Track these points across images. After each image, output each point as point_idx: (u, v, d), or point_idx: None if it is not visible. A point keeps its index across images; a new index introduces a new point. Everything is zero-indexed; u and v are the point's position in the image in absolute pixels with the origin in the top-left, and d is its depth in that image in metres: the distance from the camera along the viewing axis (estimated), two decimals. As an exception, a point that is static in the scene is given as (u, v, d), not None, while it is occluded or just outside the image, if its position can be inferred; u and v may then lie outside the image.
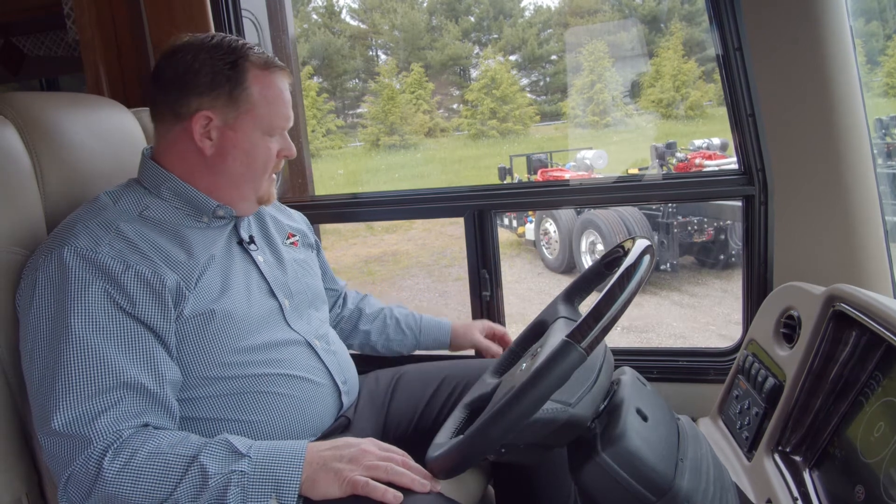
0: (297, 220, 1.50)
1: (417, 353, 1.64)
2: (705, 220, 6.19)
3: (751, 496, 1.13)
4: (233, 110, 1.16)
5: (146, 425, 1.02)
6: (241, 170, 1.20)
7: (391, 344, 1.61)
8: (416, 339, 1.61)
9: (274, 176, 1.28)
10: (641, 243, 0.95)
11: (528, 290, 6.92)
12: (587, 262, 6.72)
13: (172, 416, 1.06)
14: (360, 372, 1.42)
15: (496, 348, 1.60)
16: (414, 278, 7.61)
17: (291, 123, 1.25)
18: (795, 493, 1.03)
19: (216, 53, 1.16)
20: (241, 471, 0.96)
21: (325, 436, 1.26)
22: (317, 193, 2.17)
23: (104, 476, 0.95)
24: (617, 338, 5.22)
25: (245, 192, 1.23)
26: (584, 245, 6.80)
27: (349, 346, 1.58)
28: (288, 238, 1.40)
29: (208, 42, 1.18)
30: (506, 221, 8.49)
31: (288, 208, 1.52)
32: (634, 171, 7.97)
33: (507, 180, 9.08)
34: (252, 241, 1.28)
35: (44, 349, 1.02)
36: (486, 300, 1.80)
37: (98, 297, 1.03)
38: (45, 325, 1.02)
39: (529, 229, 7.86)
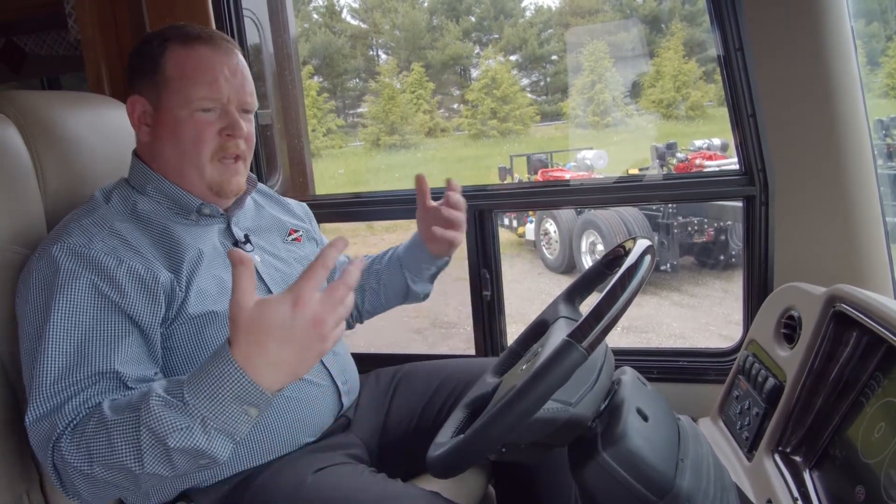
0: (299, 212, 1.47)
1: (418, 353, 1.63)
2: (706, 220, 6.19)
3: (751, 496, 1.13)
4: (155, 91, 1.16)
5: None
6: (174, 151, 1.16)
7: (382, 278, 1.49)
8: (397, 257, 1.48)
9: (238, 165, 1.19)
10: (642, 243, 0.95)
11: (528, 290, 6.92)
12: (587, 262, 6.72)
13: None
14: (360, 371, 1.42)
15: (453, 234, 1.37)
16: (414, 278, 7.60)
17: (225, 96, 1.15)
18: (796, 494, 1.03)
19: (148, 38, 1.18)
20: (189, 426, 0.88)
21: (326, 436, 1.25)
22: (317, 192, 2.17)
23: (67, 459, 0.92)
24: (617, 338, 5.22)
25: (188, 175, 1.17)
26: (584, 245, 6.80)
27: (356, 309, 1.54)
28: (290, 235, 1.38)
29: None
30: (506, 221, 8.49)
31: (288, 201, 1.49)
32: (635, 171, 7.97)
33: (508, 180, 9.08)
34: (248, 240, 1.27)
35: (29, 345, 1.02)
36: (487, 300, 1.80)
37: (84, 292, 1.01)
38: (35, 320, 1.02)
39: (530, 229, 7.86)
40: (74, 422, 0.95)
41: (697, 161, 7.22)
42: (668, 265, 6.32)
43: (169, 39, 1.16)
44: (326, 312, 0.86)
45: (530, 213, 7.65)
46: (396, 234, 10.04)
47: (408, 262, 1.46)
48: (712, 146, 7.69)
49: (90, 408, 0.96)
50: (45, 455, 0.96)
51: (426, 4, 24.07)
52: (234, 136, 1.16)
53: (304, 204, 1.52)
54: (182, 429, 0.87)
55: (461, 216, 1.37)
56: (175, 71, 1.14)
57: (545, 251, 7.50)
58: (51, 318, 0.99)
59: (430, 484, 1.23)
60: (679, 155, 7.55)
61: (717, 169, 5.75)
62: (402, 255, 1.47)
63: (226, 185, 1.19)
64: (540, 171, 8.80)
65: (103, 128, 1.36)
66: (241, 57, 1.21)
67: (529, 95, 22.14)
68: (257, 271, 1.24)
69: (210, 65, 1.14)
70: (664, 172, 6.90)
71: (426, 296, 1.51)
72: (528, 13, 23.62)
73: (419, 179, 1.37)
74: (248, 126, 1.20)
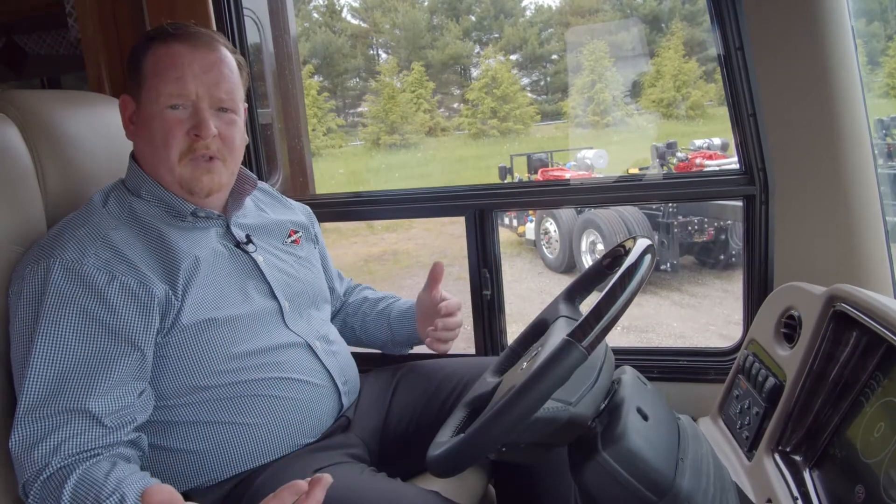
0: (299, 212, 1.47)
1: (418, 352, 1.63)
2: (706, 220, 6.19)
3: (751, 496, 1.13)
4: (137, 89, 1.16)
5: (78, 457, 0.98)
6: (148, 148, 1.16)
7: (367, 325, 1.52)
8: (387, 314, 1.50)
9: (212, 164, 1.16)
10: (642, 243, 0.95)
11: (528, 290, 6.92)
12: (587, 261, 6.72)
13: (121, 445, 1.03)
14: (360, 371, 1.42)
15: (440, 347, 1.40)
16: (414, 278, 7.61)
17: (193, 91, 1.12)
18: (795, 493, 1.03)
19: (139, 39, 1.19)
20: None
21: (326, 436, 1.25)
22: (317, 192, 2.17)
23: None
24: (617, 337, 5.21)
25: (162, 175, 1.16)
26: (584, 245, 6.79)
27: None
28: (290, 236, 1.38)
29: None
30: (506, 221, 8.49)
31: (289, 200, 1.49)
32: (635, 170, 7.96)
33: (508, 179, 9.07)
34: (250, 240, 1.26)
35: (18, 365, 1.02)
36: (487, 299, 1.80)
37: (70, 318, 1.01)
38: (22, 340, 1.02)
39: (530, 229, 7.85)
40: (42, 475, 0.96)
41: (697, 160, 7.20)
42: (669, 265, 6.32)
43: (153, 39, 1.16)
44: None
45: (530, 212, 7.65)
46: (397, 233, 10.06)
47: (396, 327, 1.48)
48: (712, 145, 7.67)
49: (62, 459, 0.96)
50: (18, 486, 0.99)
51: (426, 4, 24.07)
52: (202, 136, 1.14)
53: (307, 206, 1.52)
54: None
55: (454, 336, 1.38)
56: (150, 68, 1.14)
57: (545, 250, 7.50)
58: (35, 344, 1.00)
59: (430, 483, 1.23)
60: (679, 154, 7.54)
61: (717, 168, 5.74)
62: (392, 319, 1.49)
63: (196, 184, 1.16)
64: (540, 171, 8.79)
65: (104, 128, 1.36)
66: (224, 54, 1.18)
67: (529, 95, 22.12)
68: (261, 272, 1.24)
69: (180, 61, 1.13)
70: (664, 172, 6.90)
71: (402, 353, 1.56)
72: (528, 12, 23.61)
73: (436, 267, 1.39)
74: (224, 126, 1.17)
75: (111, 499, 0.93)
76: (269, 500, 0.84)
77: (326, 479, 0.86)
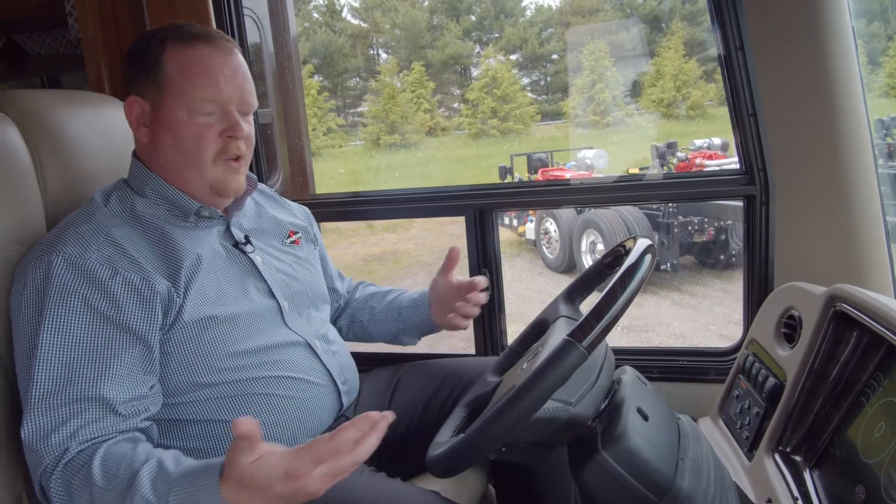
0: (298, 214, 1.47)
1: (418, 352, 1.63)
2: (706, 219, 6.19)
3: (751, 496, 1.13)
4: (155, 91, 1.14)
5: (96, 441, 0.99)
6: (174, 155, 1.15)
7: (376, 317, 1.52)
8: (397, 305, 1.50)
9: (238, 165, 1.18)
10: (642, 243, 0.96)
11: (528, 290, 6.92)
12: (587, 261, 6.72)
13: (135, 431, 1.03)
14: (360, 371, 1.41)
15: (462, 322, 1.41)
16: (414, 277, 7.61)
17: (226, 97, 1.13)
18: (796, 493, 1.03)
19: (146, 36, 1.17)
20: None
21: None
22: (317, 192, 2.17)
23: (51, 497, 0.96)
24: (617, 337, 5.22)
25: (189, 179, 1.16)
26: (584, 245, 6.80)
27: (340, 331, 1.54)
28: (289, 237, 1.38)
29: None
30: (506, 221, 8.49)
31: (288, 202, 1.49)
32: (635, 170, 7.96)
33: (508, 179, 9.08)
34: (248, 241, 1.26)
35: (23, 358, 1.02)
36: (487, 299, 1.80)
37: (75, 310, 1.01)
38: (27, 334, 1.02)
39: (530, 228, 7.86)
40: (63, 460, 0.96)
41: (698, 160, 7.21)
42: (669, 265, 6.32)
43: (168, 38, 1.14)
44: (321, 486, 0.87)
45: (530, 212, 7.65)
46: (397, 233, 10.06)
47: (406, 317, 1.48)
48: (713, 145, 7.68)
49: (80, 443, 0.97)
50: (34, 478, 0.99)
51: (426, 3, 24.09)
52: (236, 137, 1.15)
53: (305, 207, 1.52)
54: None
55: (477, 311, 1.42)
56: (175, 71, 1.13)
57: (545, 250, 7.50)
58: (41, 335, 1.00)
59: (429, 483, 1.23)
60: (679, 154, 7.54)
61: (717, 168, 5.74)
62: (402, 308, 1.49)
63: (227, 186, 1.18)
64: (540, 171, 8.80)
65: (104, 127, 1.36)
66: (240, 57, 1.20)
67: (530, 95, 22.15)
68: (259, 272, 1.24)
69: (211, 65, 1.13)
70: (664, 172, 6.90)
71: (412, 344, 1.55)
72: (528, 12, 23.63)
73: (452, 251, 1.41)
74: (247, 127, 1.19)
75: (147, 465, 0.93)
76: (346, 426, 0.87)
77: (390, 415, 0.89)
